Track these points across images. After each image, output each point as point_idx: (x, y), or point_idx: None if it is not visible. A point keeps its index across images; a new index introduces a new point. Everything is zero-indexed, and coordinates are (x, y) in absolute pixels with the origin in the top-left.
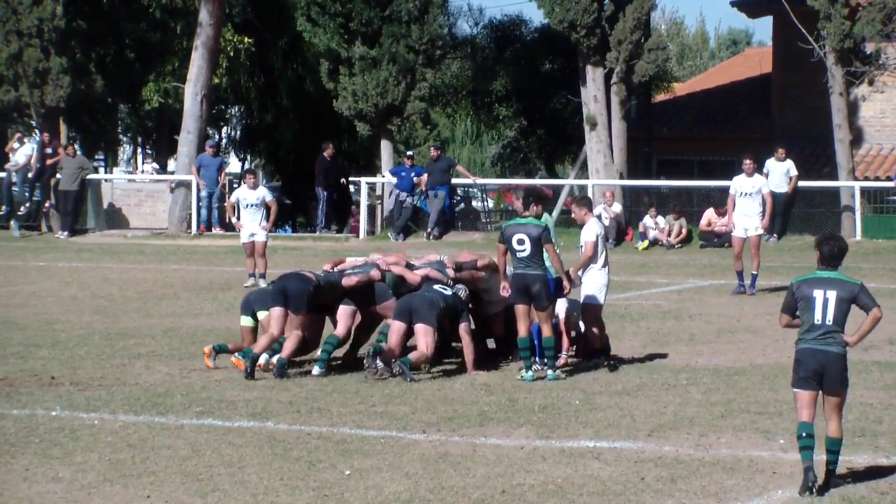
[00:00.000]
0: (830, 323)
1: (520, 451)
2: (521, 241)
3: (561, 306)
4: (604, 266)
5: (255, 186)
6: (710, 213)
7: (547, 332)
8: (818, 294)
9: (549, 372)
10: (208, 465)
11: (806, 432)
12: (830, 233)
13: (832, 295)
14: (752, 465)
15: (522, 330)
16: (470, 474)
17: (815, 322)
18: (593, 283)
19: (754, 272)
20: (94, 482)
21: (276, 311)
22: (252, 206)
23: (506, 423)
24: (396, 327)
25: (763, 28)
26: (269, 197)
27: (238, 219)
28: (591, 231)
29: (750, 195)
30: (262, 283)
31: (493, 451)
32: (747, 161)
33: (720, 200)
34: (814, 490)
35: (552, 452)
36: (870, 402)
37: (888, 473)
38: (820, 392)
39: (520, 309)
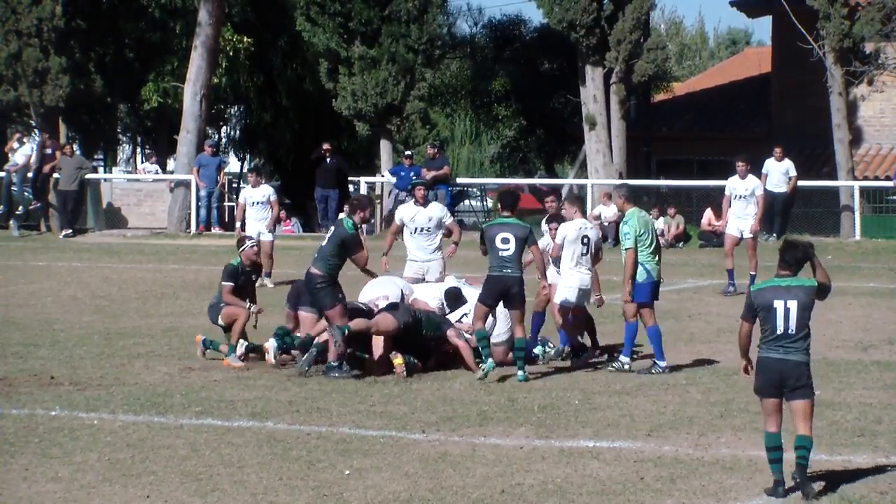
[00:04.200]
0: (793, 331)
1: (519, 451)
2: (505, 241)
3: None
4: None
5: (257, 184)
6: (710, 213)
7: (520, 332)
8: (779, 304)
9: (519, 373)
10: (208, 464)
11: (774, 444)
12: (796, 240)
13: (793, 305)
14: (751, 464)
15: (479, 324)
16: (469, 474)
17: (778, 332)
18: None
19: (753, 273)
20: (94, 482)
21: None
22: (257, 203)
23: (505, 423)
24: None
25: (762, 28)
26: (273, 196)
27: (244, 221)
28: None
29: (744, 197)
30: (268, 282)
31: (493, 450)
32: (740, 163)
33: (720, 200)
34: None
35: (551, 452)
36: (869, 402)
37: (888, 473)
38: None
39: (483, 310)
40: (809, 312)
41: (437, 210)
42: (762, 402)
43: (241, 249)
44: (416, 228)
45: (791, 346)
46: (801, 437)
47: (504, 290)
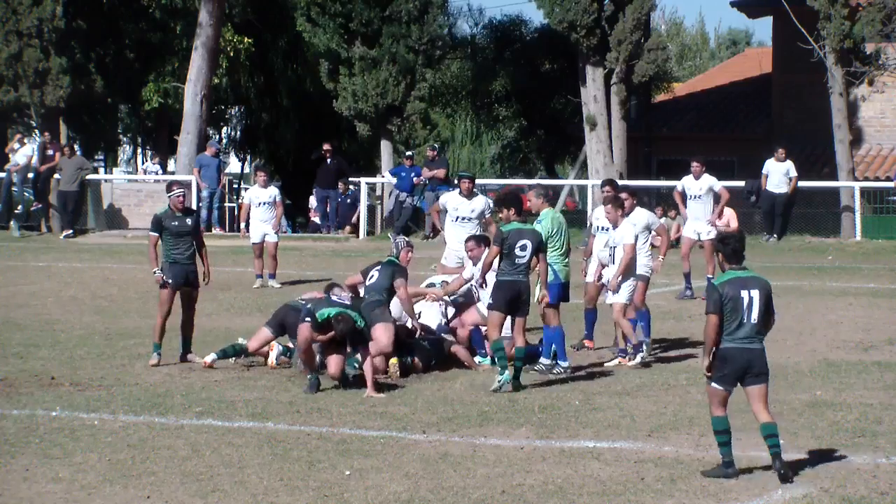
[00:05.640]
0: (756, 321)
1: (520, 452)
2: (524, 248)
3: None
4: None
5: (266, 185)
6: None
7: (521, 341)
8: (745, 294)
9: (501, 375)
10: (208, 465)
11: (723, 427)
12: (725, 232)
13: (756, 294)
14: (751, 464)
15: (495, 335)
16: (470, 475)
17: (744, 322)
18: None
19: (709, 276)
20: (94, 482)
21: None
22: (264, 204)
23: (506, 424)
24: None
25: (763, 28)
26: (279, 197)
27: (248, 221)
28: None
29: (699, 197)
30: (272, 283)
31: (493, 451)
32: (695, 164)
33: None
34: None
35: (552, 453)
36: (870, 403)
37: (888, 473)
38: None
39: (499, 317)
40: (766, 305)
41: (480, 203)
42: (718, 391)
43: (168, 195)
44: (458, 217)
45: (755, 336)
46: (768, 426)
47: (515, 296)
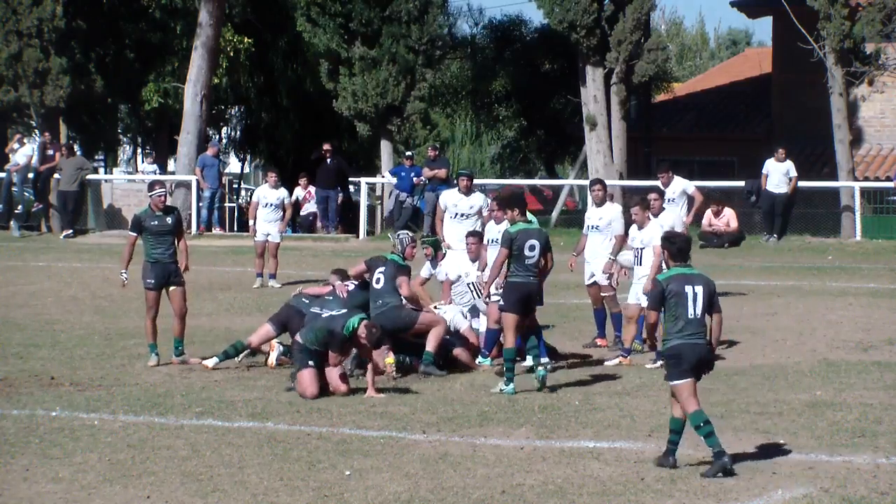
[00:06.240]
0: (700, 317)
1: (520, 452)
2: (532, 248)
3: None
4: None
5: (276, 186)
6: (709, 213)
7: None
8: (689, 290)
9: (507, 386)
10: (208, 465)
11: (703, 420)
12: (671, 230)
13: (700, 290)
14: (752, 464)
15: (511, 340)
16: (470, 475)
17: (690, 317)
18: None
19: None
20: (94, 482)
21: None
22: (272, 205)
23: (506, 424)
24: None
25: (763, 28)
26: (287, 200)
27: (255, 220)
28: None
29: (672, 201)
30: (272, 283)
31: (493, 451)
32: (661, 174)
33: (720, 200)
34: (731, 472)
35: (552, 453)
36: (870, 403)
37: (888, 473)
38: None
39: (514, 319)
40: (710, 301)
41: (479, 199)
42: (684, 385)
43: (149, 194)
44: (456, 214)
45: (699, 331)
46: (678, 421)
47: (527, 297)
